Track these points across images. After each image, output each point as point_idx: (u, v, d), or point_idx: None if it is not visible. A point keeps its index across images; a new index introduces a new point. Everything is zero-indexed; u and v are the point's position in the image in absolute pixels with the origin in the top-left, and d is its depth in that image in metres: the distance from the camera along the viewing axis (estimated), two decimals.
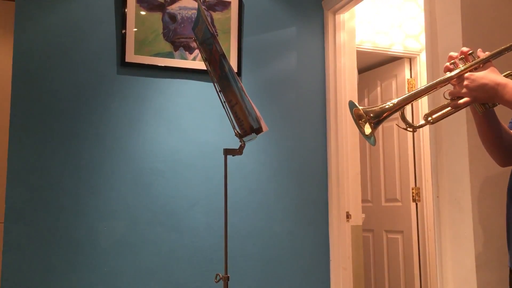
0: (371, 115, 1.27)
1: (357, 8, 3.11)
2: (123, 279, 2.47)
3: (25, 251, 2.34)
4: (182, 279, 2.57)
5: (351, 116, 2.89)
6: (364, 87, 4.27)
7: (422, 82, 3.80)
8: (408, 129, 1.37)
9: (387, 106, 1.28)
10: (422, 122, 1.38)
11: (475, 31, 1.99)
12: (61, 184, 2.43)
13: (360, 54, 3.50)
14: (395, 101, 1.29)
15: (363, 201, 3.70)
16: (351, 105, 1.32)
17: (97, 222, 2.46)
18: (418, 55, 3.85)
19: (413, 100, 1.33)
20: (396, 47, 3.79)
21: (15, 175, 2.37)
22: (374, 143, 1.30)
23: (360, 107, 1.28)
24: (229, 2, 2.81)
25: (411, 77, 3.90)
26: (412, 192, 3.77)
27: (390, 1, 3.79)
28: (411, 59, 3.91)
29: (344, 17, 3.05)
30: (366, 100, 4.28)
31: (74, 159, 2.47)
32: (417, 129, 1.39)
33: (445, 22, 2.08)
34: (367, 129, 1.27)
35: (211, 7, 2.78)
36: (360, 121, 1.29)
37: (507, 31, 2.04)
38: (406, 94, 1.31)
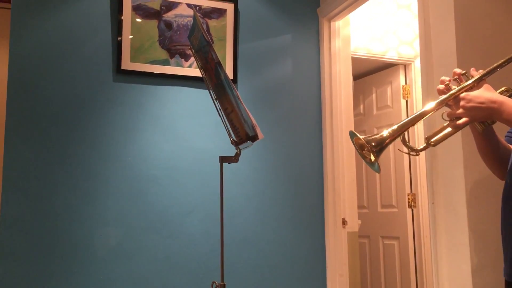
0: (373, 143, 1.28)
1: (351, 16, 3.13)
2: (119, 286, 2.46)
3: (20, 258, 2.32)
4: (178, 287, 2.55)
5: (347, 123, 2.87)
6: (359, 94, 4.28)
7: (417, 88, 3.82)
8: (411, 153, 1.37)
9: (387, 134, 1.29)
10: (423, 145, 1.39)
11: (469, 38, 2.01)
12: (57, 191, 2.42)
13: (355, 61, 3.51)
14: (394, 127, 1.30)
15: (359, 207, 3.70)
16: (352, 134, 1.32)
17: (92, 229, 2.45)
18: (413, 61, 3.88)
19: (412, 125, 1.33)
20: (390, 54, 3.82)
21: (10, 182, 2.36)
22: (378, 170, 1.30)
23: (361, 137, 1.29)
24: (225, 10, 2.83)
25: (406, 83, 3.92)
26: (408, 198, 3.78)
27: (384, 8, 3.82)
28: (405, 66, 3.93)
29: (339, 24, 3.07)
30: (361, 106, 4.30)
31: (69, 166, 2.46)
32: (419, 153, 1.39)
33: (439, 29, 2.09)
34: (371, 157, 1.28)
35: (207, 15, 2.79)
36: (363, 151, 1.29)
37: (500, 38, 2.06)
38: (404, 120, 1.32)
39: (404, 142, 1.37)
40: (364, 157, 1.30)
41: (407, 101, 3.89)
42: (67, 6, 2.56)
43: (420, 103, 3.71)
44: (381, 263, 4.01)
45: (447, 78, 1.35)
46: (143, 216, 2.55)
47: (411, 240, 3.75)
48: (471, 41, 2.01)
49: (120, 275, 2.47)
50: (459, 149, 1.94)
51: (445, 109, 1.36)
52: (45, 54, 2.50)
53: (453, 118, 1.32)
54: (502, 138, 1.47)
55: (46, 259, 2.36)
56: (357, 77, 4.29)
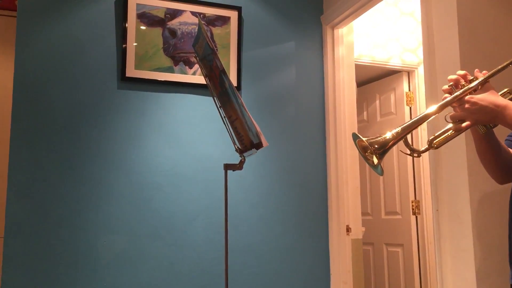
0: (376, 146, 1.27)
1: (355, 23, 3.14)
2: None
3: (25, 266, 2.33)
4: None
5: (351, 130, 2.87)
6: (363, 100, 4.29)
7: (421, 95, 3.82)
8: (414, 154, 1.38)
9: (390, 136, 1.28)
10: (425, 147, 1.39)
11: (472, 45, 2.01)
12: (61, 199, 2.43)
13: (359, 68, 3.52)
14: (398, 129, 1.29)
15: (363, 214, 3.69)
16: (354, 137, 1.31)
17: (97, 236, 2.46)
18: (416, 68, 3.88)
19: (416, 127, 1.34)
20: (394, 61, 3.82)
21: (16, 189, 2.37)
22: (381, 173, 1.29)
23: (364, 139, 1.28)
24: (229, 18, 2.84)
25: (409, 90, 3.92)
26: (412, 205, 3.77)
27: (387, 15, 3.83)
28: (409, 73, 3.94)
29: (342, 31, 3.08)
30: (365, 113, 4.30)
31: (74, 173, 2.47)
32: (421, 154, 1.39)
33: (442, 36, 2.10)
34: (374, 160, 1.28)
35: (211, 23, 2.81)
36: (366, 153, 1.29)
37: (504, 45, 2.07)
38: (408, 121, 1.32)
39: (406, 143, 1.37)
40: (367, 160, 1.29)
41: (410, 108, 3.90)
42: (73, 14, 2.59)
43: (423, 110, 3.71)
44: (385, 270, 3.99)
45: (454, 77, 1.34)
46: (147, 223, 2.55)
47: (415, 247, 3.73)
48: (475, 47, 2.01)
49: (124, 282, 2.47)
50: (463, 155, 1.94)
51: (448, 111, 1.36)
52: (50, 61, 2.52)
53: (456, 120, 1.32)
54: (502, 142, 1.47)
55: (50, 266, 2.37)
56: (360, 84, 4.30)
